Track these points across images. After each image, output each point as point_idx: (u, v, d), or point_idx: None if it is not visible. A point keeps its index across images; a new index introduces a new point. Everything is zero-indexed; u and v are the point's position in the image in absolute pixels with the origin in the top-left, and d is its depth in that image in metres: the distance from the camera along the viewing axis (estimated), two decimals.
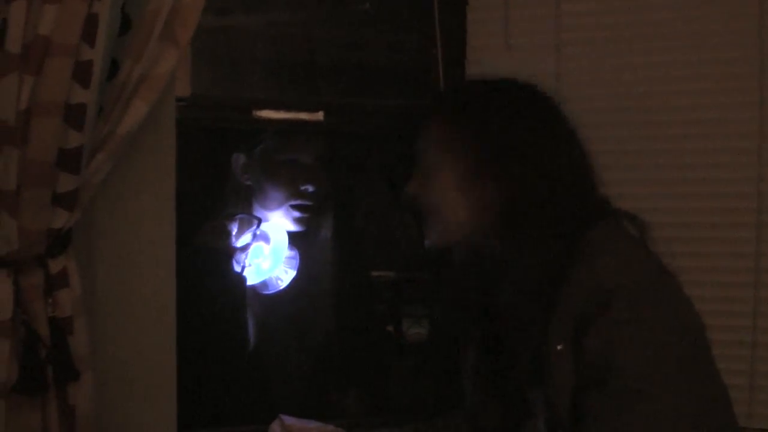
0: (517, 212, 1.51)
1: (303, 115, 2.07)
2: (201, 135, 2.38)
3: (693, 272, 1.94)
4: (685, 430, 1.35)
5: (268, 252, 2.22)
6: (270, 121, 2.06)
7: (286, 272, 2.28)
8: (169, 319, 1.75)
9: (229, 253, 2.13)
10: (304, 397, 2.35)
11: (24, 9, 1.40)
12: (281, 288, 2.28)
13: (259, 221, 2.17)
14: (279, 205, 2.28)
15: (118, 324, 1.71)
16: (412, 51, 2.28)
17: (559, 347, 1.43)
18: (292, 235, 2.29)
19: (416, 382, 2.60)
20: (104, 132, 1.54)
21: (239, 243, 2.15)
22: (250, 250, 2.16)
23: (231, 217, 2.18)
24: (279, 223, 2.28)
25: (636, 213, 1.56)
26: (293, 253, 2.29)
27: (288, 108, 2.06)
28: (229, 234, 2.14)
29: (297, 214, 2.29)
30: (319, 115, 2.07)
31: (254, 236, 2.16)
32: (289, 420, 1.83)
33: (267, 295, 2.28)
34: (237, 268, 2.15)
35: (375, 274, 2.81)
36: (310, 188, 2.28)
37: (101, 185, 1.59)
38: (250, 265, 2.17)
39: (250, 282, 2.20)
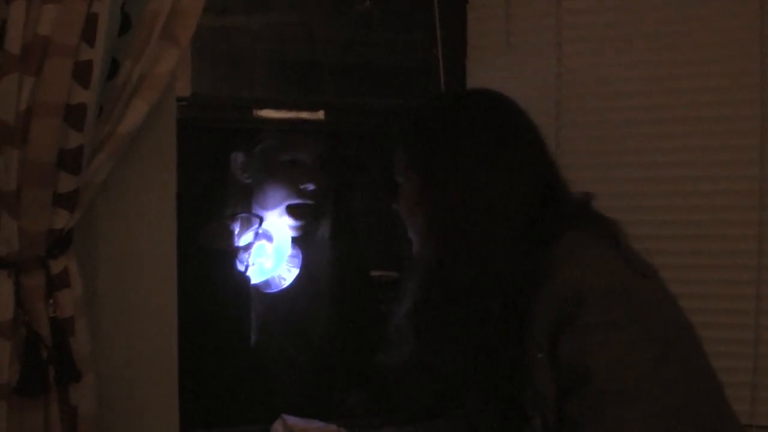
0: (460, 229, 1.53)
1: (304, 115, 2.07)
2: (202, 134, 2.37)
3: (695, 270, 1.96)
4: (664, 430, 1.35)
5: (270, 251, 2.22)
6: (270, 120, 2.06)
7: (289, 271, 2.28)
8: (171, 318, 1.74)
9: (232, 253, 2.13)
10: (306, 396, 2.35)
11: (23, 9, 1.40)
12: (284, 287, 2.28)
13: (261, 220, 2.17)
14: (278, 204, 2.28)
15: (120, 324, 1.70)
16: (412, 50, 2.28)
17: (539, 356, 1.43)
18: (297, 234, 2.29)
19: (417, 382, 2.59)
20: (105, 132, 1.54)
21: (242, 242, 2.15)
22: (253, 249, 2.16)
23: (233, 217, 2.18)
24: (281, 221, 2.28)
25: (611, 216, 1.57)
26: (296, 252, 2.29)
27: (288, 107, 2.06)
28: (232, 234, 2.14)
29: (297, 212, 2.29)
30: (320, 115, 2.07)
31: (256, 235, 2.16)
32: (292, 420, 1.83)
33: (270, 294, 2.28)
34: (241, 268, 2.15)
35: (376, 273, 2.80)
36: (310, 187, 2.27)
37: (102, 185, 1.59)
38: (253, 264, 2.17)
39: (253, 281, 2.20)
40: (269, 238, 2.22)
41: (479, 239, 1.51)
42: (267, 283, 2.26)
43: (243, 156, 2.29)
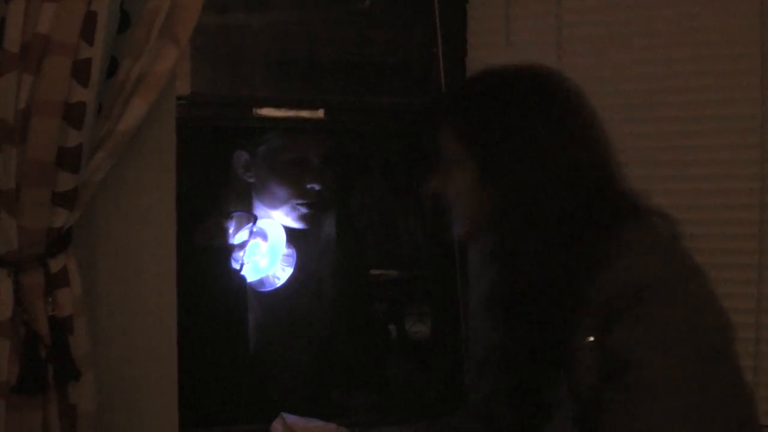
0: (523, 214, 1.50)
1: (304, 113, 2.07)
2: (202, 133, 2.37)
3: None
4: (695, 430, 1.35)
5: (265, 249, 2.22)
6: (271, 119, 2.05)
7: (284, 270, 2.28)
8: (170, 317, 1.74)
9: (227, 251, 2.13)
10: (306, 395, 2.35)
11: (22, 7, 1.40)
12: (278, 286, 2.28)
13: (255, 218, 2.17)
14: (283, 204, 2.28)
15: (119, 323, 1.70)
16: (413, 49, 2.27)
17: (590, 339, 1.42)
18: (291, 233, 2.29)
19: (419, 381, 2.60)
20: (104, 130, 1.54)
21: (236, 240, 2.15)
22: (248, 248, 2.16)
23: (227, 215, 2.18)
24: (277, 220, 2.28)
25: (666, 210, 1.54)
26: (291, 251, 2.29)
27: (289, 106, 2.05)
28: (226, 232, 2.14)
29: (303, 211, 2.28)
30: (320, 113, 2.07)
31: (251, 233, 2.16)
32: (291, 419, 1.83)
33: (264, 292, 2.28)
34: (236, 266, 2.15)
35: (376, 272, 2.81)
36: (317, 187, 2.27)
37: (101, 184, 1.59)
38: (248, 262, 2.17)
39: (248, 279, 2.20)
40: (264, 237, 2.22)
41: (551, 221, 1.48)
42: (261, 282, 2.26)
43: (246, 155, 2.29)
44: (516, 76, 1.59)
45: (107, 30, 1.47)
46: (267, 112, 2.03)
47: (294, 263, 2.29)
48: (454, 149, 1.59)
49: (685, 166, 1.99)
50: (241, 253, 2.15)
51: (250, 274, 2.21)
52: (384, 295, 2.88)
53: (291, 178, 2.27)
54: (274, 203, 2.29)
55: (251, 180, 2.30)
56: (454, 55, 2.08)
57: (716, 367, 1.41)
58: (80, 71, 1.44)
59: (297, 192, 2.27)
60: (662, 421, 1.34)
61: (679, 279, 1.44)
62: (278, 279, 2.28)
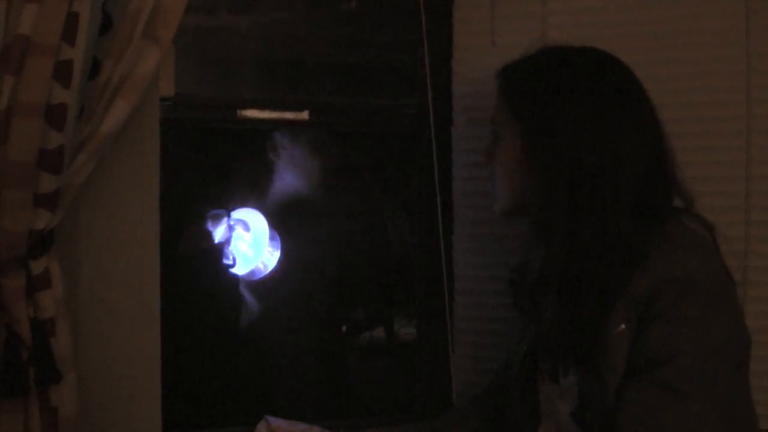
0: (574, 189, 1.48)
1: (288, 115, 2.06)
2: (188, 133, 2.38)
3: None
4: None
5: (249, 239, 2.23)
6: (255, 120, 2.05)
7: (272, 254, 2.28)
8: (154, 319, 1.74)
9: (215, 252, 2.13)
10: (290, 398, 2.35)
11: (4, 8, 1.40)
12: (269, 271, 2.28)
13: (229, 213, 2.19)
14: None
15: (102, 325, 1.70)
16: (398, 50, 2.28)
17: (622, 326, 1.42)
18: (276, 221, 2.31)
19: (406, 382, 2.59)
20: (86, 132, 1.53)
21: (217, 237, 2.15)
22: (232, 241, 2.17)
23: (203, 217, 2.18)
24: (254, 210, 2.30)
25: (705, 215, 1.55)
26: (273, 233, 2.30)
27: (273, 107, 2.05)
28: (209, 234, 2.14)
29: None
30: (305, 115, 2.06)
31: (229, 227, 2.17)
32: (275, 421, 1.82)
33: (256, 282, 2.29)
34: (228, 263, 2.15)
35: (364, 274, 2.81)
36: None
37: (84, 186, 1.58)
38: (237, 256, 2.18)
39: (240, 273, 2.21)
40: (245, 227, 2.23)
41: (606, 198, 1.46)
42: (252, 273, 2.27)
43: (286, 139, 2.34)
44: (571, 58, 1.59)
45: (89, 31, 1.47)
46: (251, 113, 2.02)
47: (279, 246, 2.30)
48: (507, 121, 1.58)
49: None
50: (229, 249, 2.16)
51: (241, 268, 2.22)
52: (372, 297, 2.88)
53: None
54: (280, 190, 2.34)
55: (275, 160, 2.35)
56: (439, 56, 2.07)
57: (739, 379, 1.42)
58: (62, 72, 1.43)
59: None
60: (695, 424, 1.35)
61: (720, 284, 1.44)
62: (267, 265, 2.29)
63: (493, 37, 2.03)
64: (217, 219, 2.17)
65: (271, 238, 2.29)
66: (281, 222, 2.33)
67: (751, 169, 1.95)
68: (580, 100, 1.51)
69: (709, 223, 1.53)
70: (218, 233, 2.15)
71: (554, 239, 1.49)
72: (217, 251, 2.15)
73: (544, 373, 1.60)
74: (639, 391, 1.38)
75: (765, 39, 1.93)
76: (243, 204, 2.32)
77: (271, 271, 2.29)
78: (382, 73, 2.32)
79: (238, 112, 2.01)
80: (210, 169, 2.34)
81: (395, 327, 3.07)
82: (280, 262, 2.31)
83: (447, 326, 2.06)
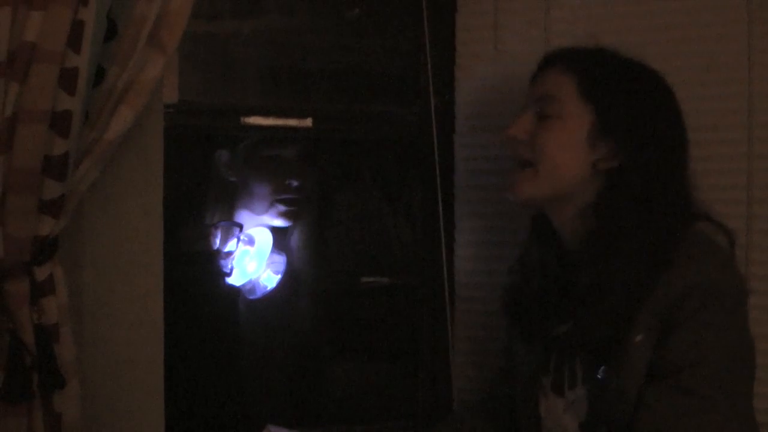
0: (628, 185, 1.50)
1: (292, 122, 2.07)
2: (191, 140, 2.38)
3: None
4: None
5: (252, 253, 2.23)
6: (258, 127, 2.06)
7: (272, 276, 2.28)
8: (157, 325, 1.74)
9: (213, 257, 2.14)
10: (294, 406, 2.35)
11: (9, 15, 1.39)
12: (268, 290, 2.28)
13: (241, 227, 2.18)
14: (263, 201, 2.29)
15: (106, 331, 1.70)
16: (401, 57, 2.28)
17: (642, 335, 1.42)
18: (279, 239, 2.29)
19: (407, 388, 2.59)
20: (90, 139, 1.53)
21: (226, 251, 2.15)
22: (237, 254, 2.17)
23: (213, 225, 2.18)
24: (263, 226, 2.28)
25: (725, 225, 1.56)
26: (281, 257, 2.29)
27: (276, 114, 2.06)
28: (208, 236, 2.14)
29: (282, 208, 2.30)
30: (308, 122, 2.07)
31: (239, 241, 2.16)
32: (278, 431, 1.82)
33: (255, 301, 2.28)
34: (224, 271, 2.15)
35: (366, 280, 2.80)
36: (294, 183, 2.29)
37: (88, 192, 1.58)
38: (236, 267, 2.18)
39: (236, 284, 2.21)
40: (251, 242, 2.23)
41: (669, 191, 1.51)
42: (252, 289, 2.26)
43: (227, 154, 2.30)
44: (637, 60, 1.63)
45: (94, 38, 1.47)
46: (254, 120, 2.03)
47: (283, 270, 2.30)
48: (572, 100, 1.57)
49: None
50: (230, 259, 2.16)
51: (238, 279, 2.22)
52: (375, 302, 2.88)
53: (269, 174, 2.28)
54: (254, 201, 2.30)
55: (233, 180, 2.31)
56: (442, 63, 2.08)
57: (749, 387, 1.43)
58: (67, 79, 1.43)
59: (276, 188, 2.28)
60: (717, 430, 1.35)
61: (741, 293, 1.45)
62: (266, 286, 2.29)
63: (496, 44, 2.04)
64: (227, 231, 2.17)
65: (275, 261, 2.29)
66: (280, 234, 2.33)
67: (753, 175, 1.95)
68: (652, 98, 1.57)
69: (728, 230, 1.54)
70: (228, 245, 2.15)
71: (612, 226, 1.49)
72: (214, 258, 2.15)
73: (545, 387, 1.59)
74: (662, 396, 1.39)
75: (767, 44, 1.94)
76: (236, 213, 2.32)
77: (271, 293, 2.29)
78: (386, 80, 2.33)
79: (242, 119, 2.02)
80: (207, 172, 2.33)
81: (397, 333, 3.07)
82: (281, 282, 2.30)
83: (448, 331, 2.07)
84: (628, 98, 1.54)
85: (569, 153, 1.55)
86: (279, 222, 2.32)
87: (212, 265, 2.13)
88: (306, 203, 2.37)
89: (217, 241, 2.15)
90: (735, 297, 1.43)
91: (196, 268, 2.13)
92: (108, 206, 1.68)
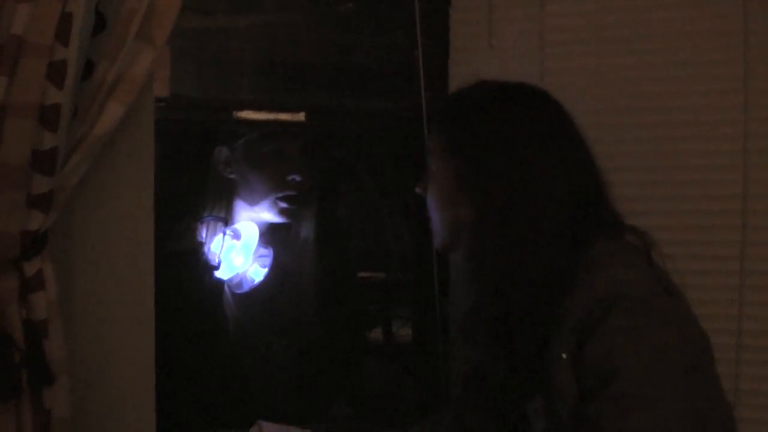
0: (500, 227, 1.50)
1: (284, 116, 2.06)
2: (183, 134, 2.37)
3: (677, 275, 1.94)
4: None
5: (239, 247, 2.22)
6: (251, 122, 2.05)
7: (259, 270, 2.28)
8: (148, 321, 1.73)
9: (200, 253, 2.13)
10: (285, 402, 2.34)
11: None
12: (254, 285, 2.27)
13: (226, 221, 2.17)
14: (264, 197, 2.27)
15: (96, 326, 1.69)
16: (395, 52, 2.27)
17: (563, 356, 1.42)
18: (271, 233, 2.29)
19: (402, 385, 2.59)
20: (79, 133, 1.52)
21: (212, 246, 2.14)
22: (223, 249, 2.16)
23: (198, 220, 2.17)
24: (251, 220, 2.27)
25: (643, 229, 1.55)
26: (267, 251, 2.28)
27: (269, 109, 2.05)
28: (194, 233, 2.13)
29: (284, 205, 2.28)
30: (301, 116, 2.06)
31: (224, 236, 2.16)
32: (268, 426, 1.82)
33: (241, 294, 2.28)
34: (212, 265, 2.14)
35: (363, 275, 2.80)
36: (297, 178, 2.27)
37: (78, 187, 1.57)
38: (223, 261, 2.17)
39: (223, 277, 2.20)
40: (237, 236, 2.22)
41: (534, 230, 1.49)
42: (239, 283, 2.25)
43: (227, 151, 2.28)
44: (505, 92, 1.60)
45: (83, 32, 1.46)
46: (247, 114, 2.02)
47: (269, 264, 2.29)
48: (438, 158, 1.61)
49: (667, 171, 1.98)
50: (217, 253, 2.15)
51: (225, 272, 2.21)
52: (371, 298, 2.87)
53: (271, 170, 2.27)
54: (256, 197, 2.28)
55: (231, 176, 2.29)
56: (436, 58, 2.08)
57: (697, 380, 1.41)
58: (55, 73, 1.43)
59: (278, 184, 2.26)
60: (657, 427, 1.34)
61: (653, 293, 1.44)
62: (254, 279, 2.28)
63: (490, 39, 2.03)
64: (213, 226, 2.16)
65: (262, 255, 2.28)
66: (269, 230, 2.32)
67: (748, 173, 1.95)
68: (510, 137, 1.53)
69: (641, 232, 1.54)
70: (215, 241, 2.15)
71: (485, 275, 1.51)
72: (201, 253, 2.14)
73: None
74: (598, 408, 1.38)
75: (762, 41, 1.93)
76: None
77: (257, 285, 2.28)
78: (380, 75, 2.32)
79: (234, 113, 2.01)
80: (204, 168, 2.32)
81: (393, 329, 3.06)
82: (268, 275, 2.29)
83: (440, 329, 2.07)
84: (480, 150, 1.54)
85: (446, 204, 1.60)
86: (280, 218, 2.30)
87: (200, 261, 2.12)
88: (306, 198, 2.35)
89: (203, 236, 2.14)
90: (642, 298, 1.41)
91: (184, 265, 2.12)
92: (98, 201, 1.67)
